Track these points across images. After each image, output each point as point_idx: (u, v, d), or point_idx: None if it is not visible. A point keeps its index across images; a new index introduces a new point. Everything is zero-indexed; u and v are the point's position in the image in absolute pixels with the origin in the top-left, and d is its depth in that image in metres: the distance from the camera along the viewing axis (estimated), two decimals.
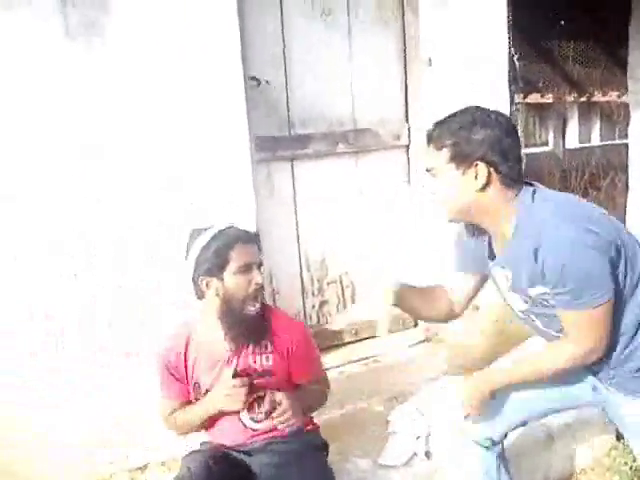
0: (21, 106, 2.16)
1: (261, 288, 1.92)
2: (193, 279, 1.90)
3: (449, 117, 1.72)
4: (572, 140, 5.32)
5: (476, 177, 1.66)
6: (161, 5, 2.33)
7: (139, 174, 2.36)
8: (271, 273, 2.87)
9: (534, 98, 4.81)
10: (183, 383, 1.99)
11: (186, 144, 2.43)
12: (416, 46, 3.05)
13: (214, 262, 1.86)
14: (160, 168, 2.39)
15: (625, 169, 4.77)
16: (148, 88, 2.34)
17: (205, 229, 1.92)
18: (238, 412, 1.94)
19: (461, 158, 1.66)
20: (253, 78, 2.67)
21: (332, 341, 3.06)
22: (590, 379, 1.83)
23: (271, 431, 1.95)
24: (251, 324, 1.91)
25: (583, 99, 5.13)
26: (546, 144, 5.26)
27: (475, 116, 1.68)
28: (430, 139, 1.74)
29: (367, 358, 3.02)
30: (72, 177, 2.24)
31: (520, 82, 3.39)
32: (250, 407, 1.94)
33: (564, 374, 1.76)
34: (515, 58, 3.24)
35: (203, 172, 2.47)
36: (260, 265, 1.93)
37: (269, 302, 2.71)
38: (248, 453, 1.96)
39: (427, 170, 1.76)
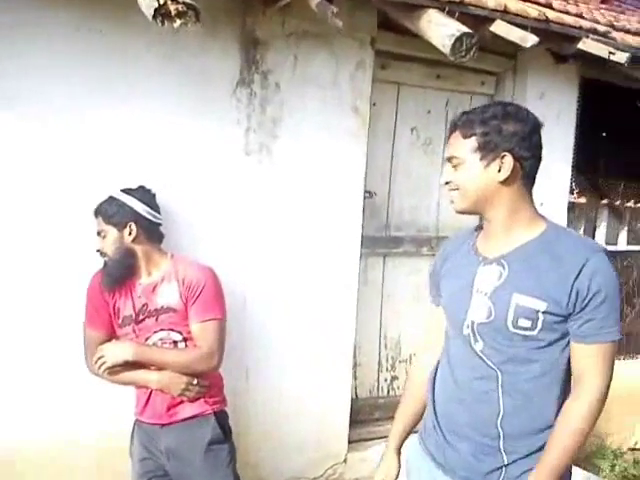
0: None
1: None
2: None
3: (480, 108, 1.64)
4: None
5: (499, 170, 1.57)
6: (312, 139, 3.04)
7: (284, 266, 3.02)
8: (356, 346, 3.43)
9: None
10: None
11: (314, 239, 3.09)
12: None
13: None
14: (296, 257, 3.06)
15: None
16: (299, 197, 3.03)
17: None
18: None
19: (489, 148, 1.57)
20: (367, 192, 3.34)
21: None
22: None
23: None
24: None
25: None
26: None
27: (508, 109, 1.60)
28: (456, 127, 1.64)
29: None
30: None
31: None
32: None
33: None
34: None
35: (323, 260, 3.12)
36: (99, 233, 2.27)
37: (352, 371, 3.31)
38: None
39: (448, 159, 1.67)
